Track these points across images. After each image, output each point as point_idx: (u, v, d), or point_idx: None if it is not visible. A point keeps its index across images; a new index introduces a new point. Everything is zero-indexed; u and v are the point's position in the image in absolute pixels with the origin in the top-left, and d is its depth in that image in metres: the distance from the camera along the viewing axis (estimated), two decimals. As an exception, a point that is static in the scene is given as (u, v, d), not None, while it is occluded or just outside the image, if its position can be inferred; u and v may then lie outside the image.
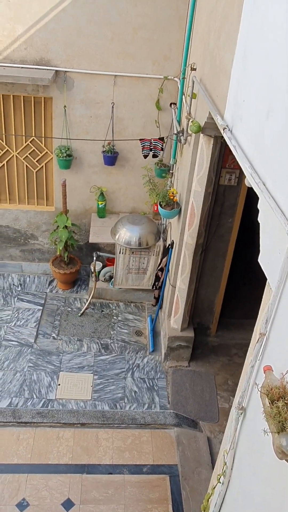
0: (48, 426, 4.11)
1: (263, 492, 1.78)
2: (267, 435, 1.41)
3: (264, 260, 1.81)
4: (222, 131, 2.51)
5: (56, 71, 4.64)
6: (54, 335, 5.09)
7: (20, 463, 3.79)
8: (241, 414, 2.03)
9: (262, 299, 1.90)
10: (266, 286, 1.84)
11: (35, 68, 4.60)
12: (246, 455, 2.02)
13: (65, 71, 4.67)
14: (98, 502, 3.57)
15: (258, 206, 1.87)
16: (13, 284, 5.71)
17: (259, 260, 1.86)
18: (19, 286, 5.70)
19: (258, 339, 1.80)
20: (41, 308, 5.41)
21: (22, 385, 4.48)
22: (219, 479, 2.26)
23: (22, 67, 4.60)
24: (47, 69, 4.61)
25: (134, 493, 3.65)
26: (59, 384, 4.53)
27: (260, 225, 1.86)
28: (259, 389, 1.52)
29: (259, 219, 1.87)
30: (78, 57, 4.61)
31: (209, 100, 2.96)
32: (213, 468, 3.54)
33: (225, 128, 2.47)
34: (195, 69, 3.57)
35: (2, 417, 4.11)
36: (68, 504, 3.55)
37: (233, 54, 2.48)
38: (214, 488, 2.41)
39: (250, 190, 3.76)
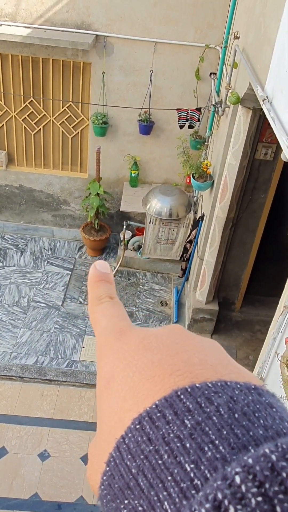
0: (71, 385, 4.28)
1: None
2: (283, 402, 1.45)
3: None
4: (261, 103, 2.47)
5: (97, 35, 4.60)
6: (81, 299, 5.22)
7: (44, 417, 3.97)
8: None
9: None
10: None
11: (76, 32, 4.57)
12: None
13: (106, 36, 4.62)
14: (115, 460, 3.73)
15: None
16: (44, 248, 5.85)
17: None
18: (50, 250, 5.84)
19: (282, 312, 1.82)
20: (70, 273, 5.54)
21: (48, 345, 4.64)
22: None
23: (62, 31, 4.58)
24: (88, 33, 4.58)
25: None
26: (83, 347, 4.68)
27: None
28: (279, 359, 1.55)
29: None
30: (119, 22, 4.55)
31: (250, 70, 2.90)
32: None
33: (265, 99, 2.42)
34: (238, 38, 3.48)
35: (28, 373, 4.30)
36: (86, 458, 3.72)
37: (278, 22, 2.41)
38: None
39: (286, 167, 3.69)
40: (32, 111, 5.17)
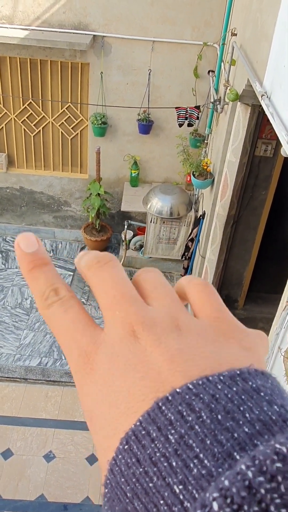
0: (75, 386, 4.27)
1: None
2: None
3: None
4: (260, 99, 2.46)
5: (94, 36, 4.60)
6: (83, 300, 5.22)
7: (48, 418, 3.97)
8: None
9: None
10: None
11: (73, 33, 4.58)
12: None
13: (103, 36, 4.62)
14: (120, 459, 3.72)
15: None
16: (46, 250, 5.84)
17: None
18: (51, 251, 5.84)
19: (285, 307, 1.82)
20: (72, 274, 5.54)
21: (51, 346, 4.64)
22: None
23: (60, 32, 4.58)
24: (85, 34, 4.58)
25: (155, 453, 3.79)
26: (87, 347, 4.67)
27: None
28: (283, 354, 1.55)
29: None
30: (117, 22, 4.55)
31: (248, 67, 2.90)
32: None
33: (263, 95, 2.42)
34: (235, 35, 3.47)
35: (32, 375, 4.30)
36: (92, 459, 3.72)
37: (275, 17, 2.40)
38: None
39: (286, 163, 3.67)
40: (31, 113, 5.18)
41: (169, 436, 0.20)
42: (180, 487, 0.18)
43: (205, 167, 4.23)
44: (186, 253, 5.15)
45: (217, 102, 4.03)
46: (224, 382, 0.21)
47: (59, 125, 5.24)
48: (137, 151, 5.28)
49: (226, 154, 3.83)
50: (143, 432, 0.21)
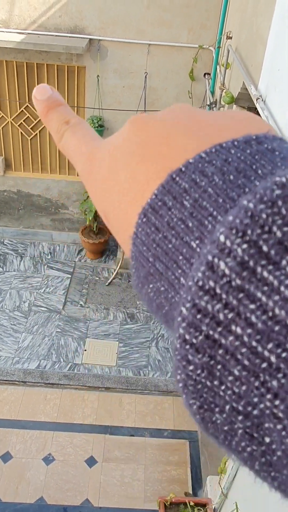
0: (74, 388, 4.28)
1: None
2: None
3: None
4: (255, 102, 2.48)
5: (90, 39, 4.62)
6: (81, 303, 5.23)
7: (47, 421, 3.98)
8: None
9: None
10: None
11: (69, 37, 4.60)
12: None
13: (99, 40, 4.64)
14: (120, 461, 3.73)
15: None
16: (43, 252, 5.86)
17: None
18: (49, 254, 5.85)
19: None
20: (70, 276, 5.54)
21: (50, 349, 4.65)
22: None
23: (56, 35, 4.60)
24: (81, 37, 4.60)
25: (154, 454, 3.79)
26: (85, 350, 4.68)
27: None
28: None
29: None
30: (113, 25, 4.57)
31: (243, 70, 2.92)
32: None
33: (258, 98, 2.44)
34: (231, 38, 3.50)
35: (31, 378, 4.31)
36: (91, 461, 3.73)
37: (270, 21, 2.43)
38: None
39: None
40: (28, 116, 5.19)
41: (184, 202, 0.20)
42: (197, 242, 0.20)
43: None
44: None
45: (213, 105, 4.06)
46: (237, 147, 0.21)
47: (56, 128, 5.25)
48: (134, 154, 5.29)
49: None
50: (159, 203, 0.21)
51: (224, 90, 3.43)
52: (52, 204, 5.75)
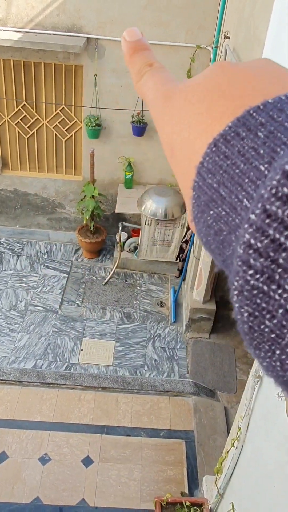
0: (70, 388, 4.28)
1: (275, 455, 1.85)
2: (280, 399, 1.46)
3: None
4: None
5: (88, 38, 4.61)
6: (78, 302, 5.23)
7: (43, 421, 3.97)
8: (257, 382, 2.09)
9: None
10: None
11: (67, 35, 4.58)
12: (260, 421, 2.08)
13: (97, 39, 4.63)
14: (116, 461, 3.73)
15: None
16: (40, 252, 5.85)
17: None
18: (46, 253, 5.84)
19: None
20: (67, 275, 5.54)
21: (46, 348, 4.64)
22: (233, 443, 2.34)
23: (53, 34, 4.58)
24: (79, 36, 4.59)
25: (150, 454, 3.80)
26: (82, 349, 4.68)
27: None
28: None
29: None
30: (110, 25, 4.56)
31: (241, 70, 2.92)
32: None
33: (256, 99, 2.44)
34: (228, 38, 3.50)
35: (27, 377, 4.30)
36: (87, 461, 3.73)
37: (267, 22, 2.42)
38: (228, 452, 2.50)
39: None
40: (25, 115, 5.18)
41: (259, 133, 0.21)
42: (266, 165, 0.20)
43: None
44: (180, 255, 5.17)
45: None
46: None
47: (53, 127, 5.24)
48: (131, 153, 5.30)
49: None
50: (232, 134, 0.22)
51: (222, 91, 3.43)
52: (49, 203, 5.74)
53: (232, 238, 0.22)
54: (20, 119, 5.20)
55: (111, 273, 5.50)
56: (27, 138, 5.34)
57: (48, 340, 4.74)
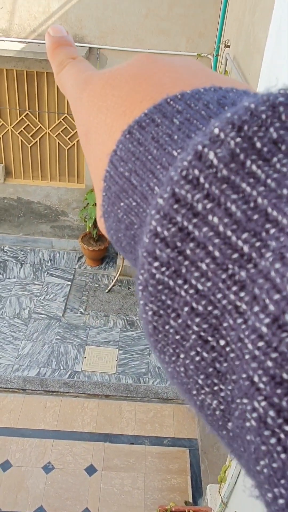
0: (74, 396, 4.27)
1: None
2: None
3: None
4: (253, 110, 2.50)
5: (90, 48, 4.66)
6: (81, 310, 5.23)
7: (47, 429, 3.97)
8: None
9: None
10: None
11: (69, 45, 4.62)
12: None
13: (98, 48, 4.68)
14: (119, 470, 3.72)
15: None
16: (43, 259, 5.87)
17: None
18: (49, 261, 5.85)
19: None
20: (70, 283, 5.55)
21: (50, 356, 4.64)
22: (236, 451, 2.32)
23: (56, 44, 4.62)
24: (81, 46, 4.63)
25: (154, 463, 3.78)
26: (85, 357, 4.68)
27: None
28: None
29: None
30: (112, 34, 4.61)
31: (241, 78, 2.94)
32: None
33: (256, 106, 2.45)
34: (229, 46, 3.53)
35: (30, 385, 4.30)
36: (91, 469, 3.71)
37: (267, 31, 2.44)
38: (231, 460, 2.49)
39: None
40: (28, 124, 5.22)
41: (174, 119, 0.20)
42: (179, 150, 0.19)
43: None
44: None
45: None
46: (232, 91, 0.22)
47: (56, 136, 5.28)
48: (133, 161, 5.32)
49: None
50: (147, 121, 0.21)
51: (223, 98, 3.45)
52: (52, 211, 5.76)
53: (144, 231, 0.20)
54: (23, 128, 5.25)
55: (114, 280, 5.50)
56: (30, 147, 5.37)
57: (51, 348, 4.74)
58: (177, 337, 0.17)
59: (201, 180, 0.16)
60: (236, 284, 0.16)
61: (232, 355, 0.16)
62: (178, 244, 0.17)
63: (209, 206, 0.16)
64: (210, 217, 0.16)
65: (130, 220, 0.21)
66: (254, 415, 0.15)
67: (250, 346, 0.15)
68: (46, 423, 4.02)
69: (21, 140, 5.33)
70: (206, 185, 0.16)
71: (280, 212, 0.15)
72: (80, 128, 0.26)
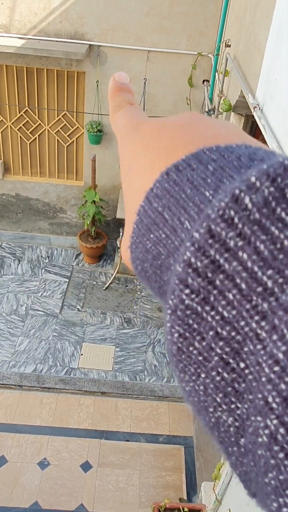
0: (70, 392, 4.28)
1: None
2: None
3: None
4: (252, 110, 2.50)
5: (90, 45, 4.65)
6: (78, 307, 5.24)
7: (43, 425, 3.98)
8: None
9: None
10: None
11: (69, 42, 4.62)
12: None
13: (99, 46, 4.67)
14: (114, 466, 3.73)
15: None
16: (41, 256, 5.87)
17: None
18: (47, 258, 5.86)
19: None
20: (67, 280, 5.55)
21: (46, 353, 4.65)
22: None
23: (56, 41, 4.63)
24: (81, 43, 4.63)
25: (149, 460, 3.80)
26: (81, 354, 4.69)
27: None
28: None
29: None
30: (112, 32, 4.60)
31: (241, 78, 2.94)
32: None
33: (256, 107, 2.46)
34: (229, 46, 3.53)
35: (27, 382, 4.31)
36: (86, 466, 3.73)
37: (268, 31, 2.45)
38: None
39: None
40: (28, 121, 5.22)
41: (209, 166, 0.22)
42: (211, 191, 0.21)
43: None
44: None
45: (212, 112, 4.08)
46: (261, 150, 0.24)
47: (55, 133, 5.28)
48: (132, 159, 5.32)
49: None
50: (184, 165, 0.23)
51: (222, 98, 3.45)
52: (50, 208, 5.76)
53: (171, 262, 0.22)
54: (23, 125, 5.24)
55: (112, 278, 5.51)
56: (29, 143, 5.37)
57: (48, 345, 4.74)
58: (200, 357, 0.19)
59: (236, 220, 0.18)
60: (259, 314, 0.18)
61: (250, 377, 0.18)
62: (209, 274, 0.19)
63: (240, 243, 0.18)
64: (240, 253, 0.18)
65: (158, 251, 0.23)
66: (266, 431, 0.17)
67: (267, 369, 0.17)
68: (42, 419, 4.03)
69: (20, 136, 5.33)
70: (240, 225, 0.18)
71: None
72: (124, 162, 0.29)
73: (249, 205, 0.18)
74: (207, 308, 0.19)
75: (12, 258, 5.77)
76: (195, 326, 0.19)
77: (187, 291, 0.19)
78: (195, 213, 0.21)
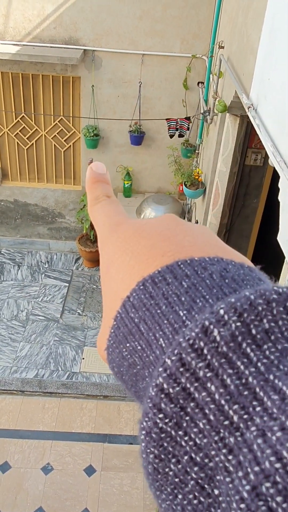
0: (72, 397, 4.28)
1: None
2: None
3: (283, 238, 1.85)
4: (247, 110, 2.52)
5: (85, 50, 4.67)
6: (79, 311, 5.24)
7: (46, 430, 3.97)
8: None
9: (280, 277, 1.94)
10: (284, 264, 1.88)
11: (64, 48, 4.65)
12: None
13: (93, 50, 4.69)
14: (118, 470, 3.72)
15: (279, 185, 1.90)
16: (41, 261, 5.88)
17: (278, 239, 1.90)
18: (47, 263, 5.86)
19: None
20: (67, 285, 5.56)
21: (48, 357, 4.65)
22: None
23: (51, 47, 4.65)
24: (76, 48, 4.65)
25: (153, 463, 3.78)
26: (83, 358, 4.68)
27: (280, 203, 1.89)
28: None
29: (279, 198, 1.90)
30: (107, 36, 4.62)
31: (235, 79, 2.96)
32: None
33: (250, 107, 2.47)
34: (223, 47, 3.54)
35: (29, 387, 4.31)
36: (90, 470, 3.72)
37: (260, 31, 2.47)
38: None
39: (276, 171, 3.73)
40: (24, 127, 5.23)
41: (183, 282, 0.24)
42: (185, 312, 0.22)
43: (197, 177, 4.28)
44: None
45: (207, 113, 4.10)
46: (234, 265, 0.25)
47: (51, 138, 5.29)
48: (129, 162, 5.34)
49: (217, 163, 3.89)
50: (160, 278, 0.24)
51: (217, 99, 3.47)
52: (49, 213, 5.77)
53: (146, 373, 0.23)
54: (19, 131, 5.26)
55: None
56: (27, 149, 5.39)
57: (49, 349, 4.74)
58: (177, 479, 0.20)
59: (205, 351, 0.19)
60: (226, 447, 0.18)
61: (224, 505, 0.19)
62: (181, 401, 0.19)
63: (209, 374, 0.19)
64: (208, 384, 0.19)
65: (134, 360, 0.24)
66: None
67: (234, 505, 0.17)
68: (45, 424, 4.02)
69: (17, 142, 5.34)
70: (208, 356, 0.19)
71: (265, 394, 0.18)
72: (104, 260, 0.30)
73: (218, 338, 0.19)
74: (181, 433, 0.19)
75: (12, 264, 5.77)
76: (170, 449, 0.20)
77: (160, 415, 0.20)
78: (169, 332, 0.22)
